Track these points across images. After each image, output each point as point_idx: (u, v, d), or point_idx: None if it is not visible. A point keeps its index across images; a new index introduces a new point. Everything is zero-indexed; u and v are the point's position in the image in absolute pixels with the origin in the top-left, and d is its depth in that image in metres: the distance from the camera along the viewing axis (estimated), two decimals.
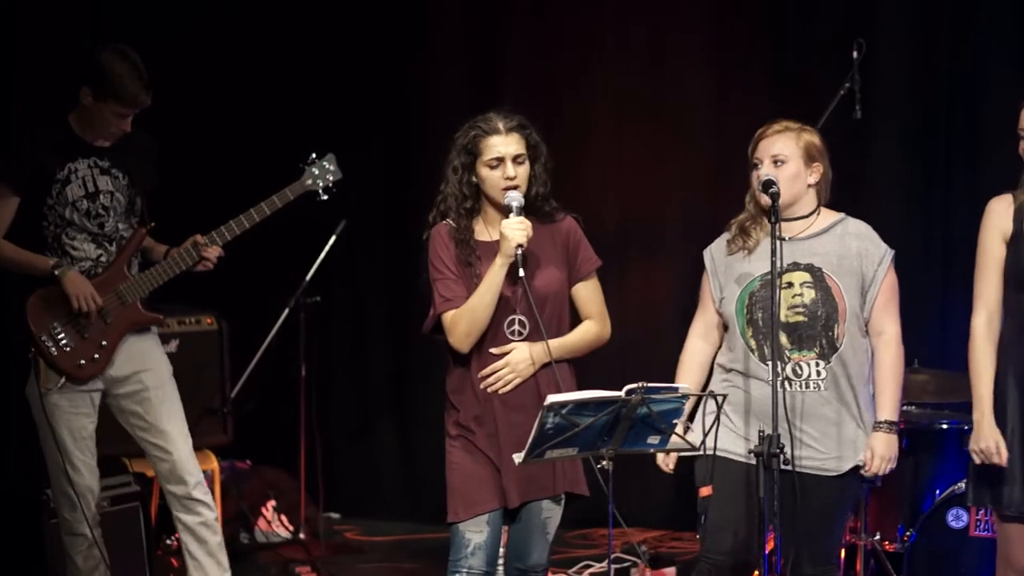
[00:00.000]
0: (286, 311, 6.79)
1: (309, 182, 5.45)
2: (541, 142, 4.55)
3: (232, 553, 5.70)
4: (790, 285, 4.52)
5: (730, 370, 4.60)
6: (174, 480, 5.36)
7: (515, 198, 4.42)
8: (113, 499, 5.83)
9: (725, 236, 4.68)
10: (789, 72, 7.06)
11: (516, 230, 4.36)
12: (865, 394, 4.59)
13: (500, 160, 4.44)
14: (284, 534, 7.01)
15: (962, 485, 5.59)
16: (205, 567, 5.44)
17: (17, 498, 5.89)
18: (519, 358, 4.44)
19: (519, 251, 4.36)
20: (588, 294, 4.59)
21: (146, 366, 5.37)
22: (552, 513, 4.55)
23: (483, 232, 4.53)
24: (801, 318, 4.50)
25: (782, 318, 4.47)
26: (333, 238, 6.74)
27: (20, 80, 6.21)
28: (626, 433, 4.02)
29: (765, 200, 4.50)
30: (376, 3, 7.67)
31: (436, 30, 7.66)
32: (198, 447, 6.16)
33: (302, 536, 6.99)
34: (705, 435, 4.22)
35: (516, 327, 4.47)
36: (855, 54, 5.92)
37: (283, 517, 7.03)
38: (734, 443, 4.52)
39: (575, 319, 4.59)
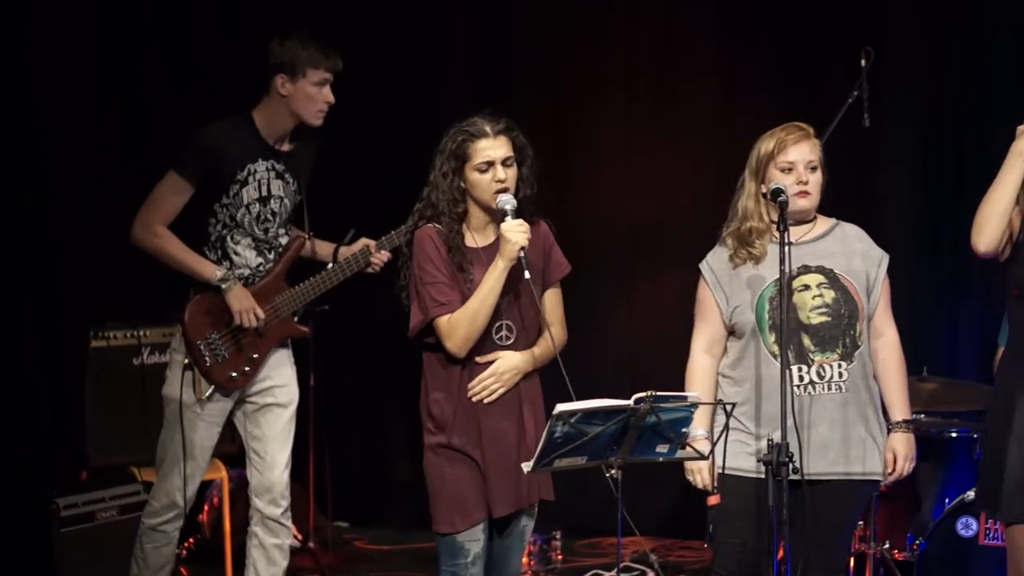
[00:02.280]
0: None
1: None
2: (527, 144, 4.50)
3: (241, 562, 5.70)
4: (806, 288, 4.50)
5: (743, 380, 4.53)
6: (267, 499, 5.41)
7: (508, 201, 4.37)
8: (121, 508, 5.85)
9: (722, 249, 4.61)
10: (797, 81, 7.07)
11: (518, 233, 4.33)
12: (877, 394, 4.60)
13: (490, 164, 4.40)
14: (293, 543, 6.99)
15: (971, 494, 5.58)
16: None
17: (26, 505, 5.89)
18: (505, 367, 4.42)
19: (522, 254, 4.32)
20: (553, 300, 4.56)
21: (281, 381, 5.39)
22: (529, 523, 4.54)
23: (469, 239, 4.48)
24: (825, 318, 4.47)
25: (804, 320, 4.46)
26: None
27: (28, 78, 6.22)
28: (635, 442, 4.02)
29: (803, 204, 4.49)
30: (385, 17, 7.68)
31: (446, 40, 7.68)
32: None
33: (311, 545, 6.97)
34: (714, 444, 4.20)
35: (504, 332, 4.44)
36: (863, 62, 5.92)
37: (292, 526, 7.01)
38: (747, 460, 4.47)
39: None
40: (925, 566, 5.62)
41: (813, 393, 4.45)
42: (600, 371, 7.19)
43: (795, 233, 4.52)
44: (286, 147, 5.31)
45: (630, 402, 3.94)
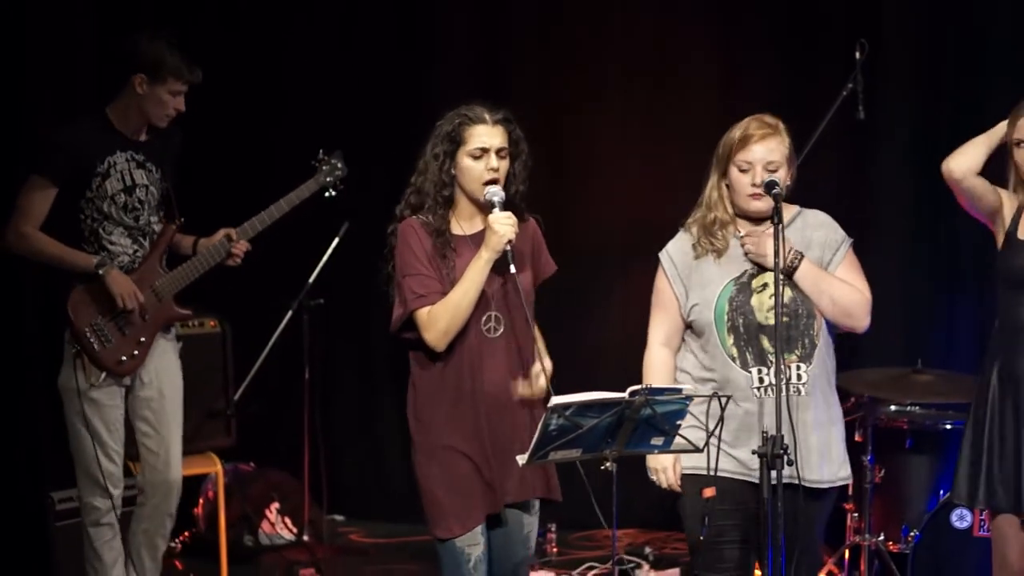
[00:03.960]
0: (289, 313, 6.78)
1: (324, 179, 5.70)
2: (523, 139, 4.42)
3: (236, 556, 5.72)
4: (765, 286, 4.38)
5: (704, 380, 4.41)
6: (161, 490, 5.49)
7: (496, 193, 4.30)
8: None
9: (685, 238, 4.51)
10: (793, 73, 7.06)
11: (506, 225, 4.25)
12: (835, 396, 4.51)
13: (484, 151, 4.32)
14: (288, 536, 7.00)
15: None
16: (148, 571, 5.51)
17: (23, 501, 5.89)
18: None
19: (508, 247, 4.26)
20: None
21: (166, 372, 5.51)
22: (532, 526, 4.47)
23: (455, 226, 4.40)
24: (783, 318, 4.31)
25: (762, 321, 4.35)
26: (336, 240, 6.73)
27: (29, 77, 6.22)
28: (630, 434, 4.01)
29: (757, 206, 4.39)
30: (382, 14, 7.67)
31: (444, 37, 7.67)
32: (201, 450, 6.20)
33: (306, 538, 6.98)
34: (709, 435, 4.16)
35: (492, 323, 4.36)
36: (858, 55, 5.91)
37: (287, 519, 7.03)
38: (721, 460, 4.32)
39: None
40: (919, 558, 5.63)
41: (772, 396, 4.30)
42: (596, 368, 7.18)
43: (756, 230, 4.42)
44: (143, 137, 5.42)
45: (625, 395, 3.94)
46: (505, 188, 4.35)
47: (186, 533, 6.78)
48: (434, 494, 4.35)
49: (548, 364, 4.42)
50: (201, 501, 6.84)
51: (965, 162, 4.72)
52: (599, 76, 7.48)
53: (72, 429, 5.38)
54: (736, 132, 4.46)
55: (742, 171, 4.42)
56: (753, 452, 4.22)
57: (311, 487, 7.01)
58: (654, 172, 7.39)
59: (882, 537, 5.91)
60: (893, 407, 6.05)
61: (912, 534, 5.78)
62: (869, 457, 5.87)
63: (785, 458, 4.14)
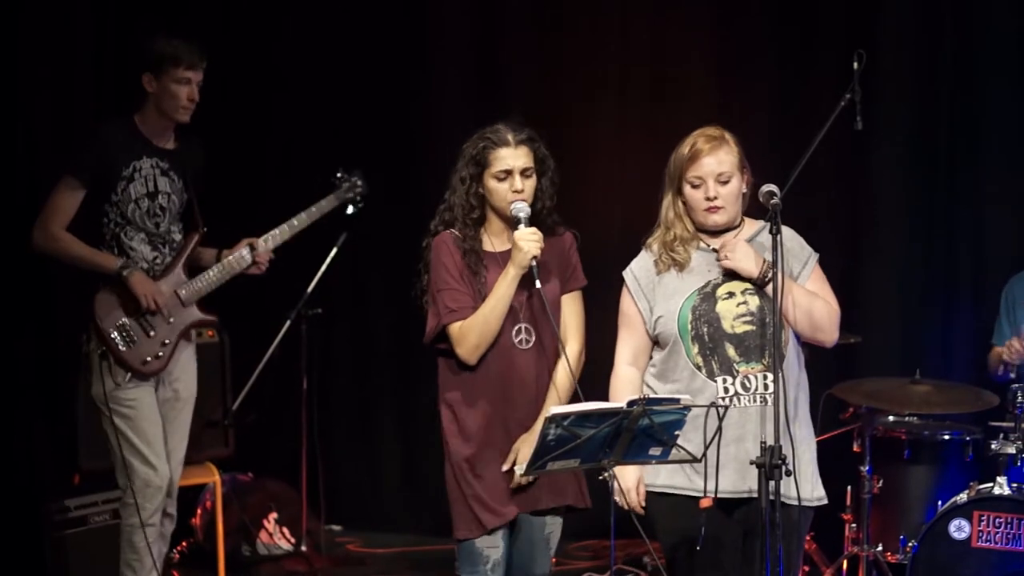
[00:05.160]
0: (287, 323, 6.78)
1: (345, 195, 5.93)
2: (549, 156, 4.54)
3: (233, 566, 5.72)
4: (731, 295, 4.36)
5: (673, 394, 4.28)
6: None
7: (522, 208, 4.42)
8: (114, 512, 5.84)
9: (646, 254, 4.48)
10: (790, 84, 7.06)
11: (530, 241, 4.37)
12: (804, 405, 4.44)
13: (508, 172, 4.45)
14: (286, 546, 6.99)
15: (964, 496, 5.59)
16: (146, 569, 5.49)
17: (19, 509, 5.88)
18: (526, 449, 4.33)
19: (534, 262, 4.36)
20: (568, 311, 4.59)
21: (185, 376, 5.60)
22: (554, 527, 4.56)
23: (487, 243, 4.54)
24: (749, 327, 4.30)
25: (728, 329, 4.32)
26: (335, 250, 6.73)
27: (23, 84, 6.23)
28: (628, 445, 4.01)
29: (715, 219, 4.35)
30: (379, 17, 7.67)
31: (439, 44, 7.67)
32: (200, 460, 6.20)
33: (304, 548, 6.97)
34: (707, 446, 4.14)
35: (523, 335, 4.49)
36: (855, 65, 5.91)
37: (285, 529, 7.02)
38: (686, 477, 4.32)
39: None
40: (917, 568, 5.62)
41: (739, 405, 4.29)
42: (593, 373, 7.18)
43: (721, 240, 4.41)
44: (170, 145, 5.50)
45: (623, 405, 3.94)
46: (532, 204, 4.46)
47: (184, 543, 6.78)
48: (457, 497, 4.48)
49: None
50: (199, 511, 6.83)
51: None
52: (595, 81, 7.48)
53: (111, 435, 5.42)
54: (684, 149, 4.45)
55: (695, 187, 4.41)
56: (751, 463, 4.15)
57: (309, 497, 7.00)
58: (650, 176, 7.37)
59: (880, 548, 5.91)
60: (891, 417, 6.06)
61: (910, 545, 5.78)
62: (867, 467, 5.87)
63: (784, 468, 4.07)
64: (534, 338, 4.50)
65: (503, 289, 4.41)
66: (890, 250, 6.91)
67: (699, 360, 4.33)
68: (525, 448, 4.38)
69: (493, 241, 4.53)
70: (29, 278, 6.03)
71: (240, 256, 5.62)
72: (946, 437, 6.01)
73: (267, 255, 5.68)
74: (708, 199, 4.38)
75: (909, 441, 6.00)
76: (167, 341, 5.47)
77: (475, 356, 4.44)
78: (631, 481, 4.35)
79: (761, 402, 4.29)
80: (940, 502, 5.77)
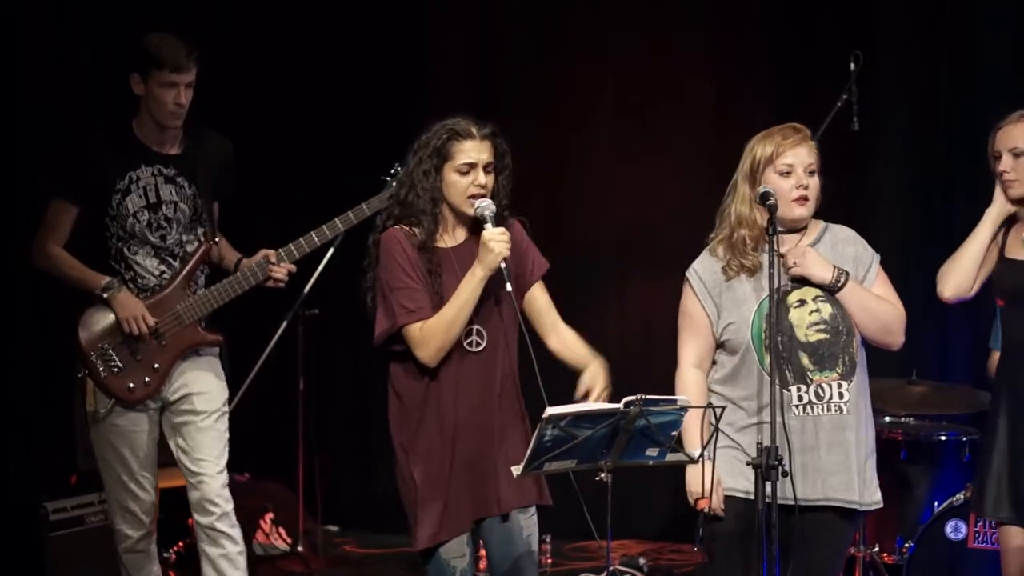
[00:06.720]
0: (284, 324, 6.77)
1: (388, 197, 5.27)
2: (508, 152, 4.36)
3: None
4: (803, 303, 4.31)
5: (743, 400, 4.32)
6: (200, 510, 5.15)
7: (487, 207, 4.25)
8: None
9: (711, 258, 4.40)
10: (788, 84, 7.08)
11: (500, 243, 4.20)
12: (871, 417, 4.42)
13: (471, 166, 4.27)
14: (282, 547, 6.99)
15: (960, 497, 5.59)
16: None
17: (16, 510, 5.88)
18: (603, 378, 4.32)
19: (503, 264, 4.21)
20: (544, 302, 4.46)
21: (200, 389, 5.18)
22: (532, 529, 4.42)
23: (439, 239, 4.35)
24: (824, 335, 4.28)
25: (802, 338, 4.27)
26: (331, 250, 6.72)
27: (23, 85, 6.23)
28: (625, 445, 4.00)
29: (800, 212, 4.31)
30: (379, 17, 7.68)
31: (436, 44, 7.68)
32: None
33: (300, 549, 6.97)
34: (704, 447, 4.13)
35: (475, 337, 4.32)
36: (852, 66, 5.92)
37: (281, 530, 7.02)
38: (747, 480, 4.24)
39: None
40: (914, 569, 5.62)
41: (812, 414, 4.27)
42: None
43: (789, 242, 4.34)
44: (174, 149, 5.11)
45: (620, 405, 3.93)
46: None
47: (180, 544, 6.76)
48: (414, 500, 4.33)
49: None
50: None
51: (954, 287, 4.73)
52: (594, 85, 7.49)
53: (98, 456, 5.13)
54: (768, 144, 4.35)
55: (784, 175, 4.33)
56: (747, 463, 4.17)
57: (305, 498, 7.00)
58: (647, 179, 7.40)
59: (877, 548, 5.91)
60: (888, 418, 6.05)
61: (907, 545, 5.78)
62: None
63: (780, 470, 4.09)
64: (486, 341, 4.32)
65: (469, 291, 4.22)
66: (886, 251, 6.85)
67: (772, 369, 4.24)
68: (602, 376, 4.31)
69: (444, 238, 4.35)
70: (27, 280, 6.02)
71: (252, 269, 5.16)
72: (943, 438, 6.01)
73: (285, 268, 5.17)
74: (800, 187, 4.32)
75: (906, 442, 6.00)
76: (157, 365, 5.07)
77: (436, 359, 4.26)
78: (708, 483, 4.21)
79: (837, 411, 4.27)
80: (937, 503, 5.78)
